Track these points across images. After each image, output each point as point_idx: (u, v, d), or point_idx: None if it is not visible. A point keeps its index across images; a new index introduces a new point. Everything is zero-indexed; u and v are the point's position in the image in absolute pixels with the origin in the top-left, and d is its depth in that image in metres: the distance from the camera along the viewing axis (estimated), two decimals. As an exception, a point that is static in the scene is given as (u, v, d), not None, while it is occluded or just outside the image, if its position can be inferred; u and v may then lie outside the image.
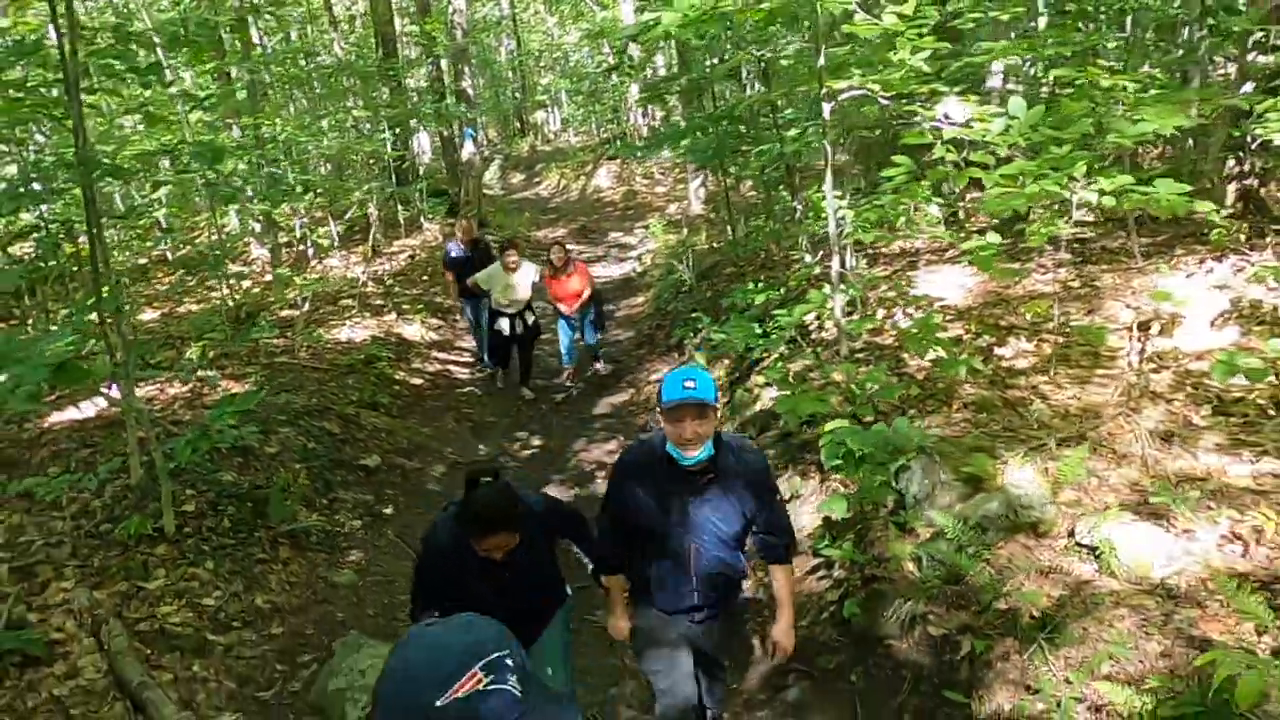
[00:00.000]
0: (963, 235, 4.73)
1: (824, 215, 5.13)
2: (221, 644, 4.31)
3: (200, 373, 7.04)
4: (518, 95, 34.67)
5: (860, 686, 3.69)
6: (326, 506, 5.80)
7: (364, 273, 12.18)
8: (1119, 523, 3.43)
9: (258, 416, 6.39)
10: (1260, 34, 5.48)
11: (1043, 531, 3.68)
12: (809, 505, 4.92)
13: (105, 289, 5.26)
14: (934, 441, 4.34)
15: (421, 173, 18.08)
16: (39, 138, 11.34)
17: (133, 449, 5.33)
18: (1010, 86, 7.65)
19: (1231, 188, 6.69)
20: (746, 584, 4.02)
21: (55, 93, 5.37)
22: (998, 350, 5.35)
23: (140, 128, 10.50)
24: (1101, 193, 4.20)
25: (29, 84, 5.38)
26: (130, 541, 4.83)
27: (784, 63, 7.15)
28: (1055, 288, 5.96)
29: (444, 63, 18.28)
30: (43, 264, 8.69)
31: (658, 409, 2.82)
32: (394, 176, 15.17)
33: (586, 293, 8.53)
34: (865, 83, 4.58)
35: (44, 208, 8.56)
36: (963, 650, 3.47)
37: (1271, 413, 4.18)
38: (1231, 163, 6.50)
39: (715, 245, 12.31)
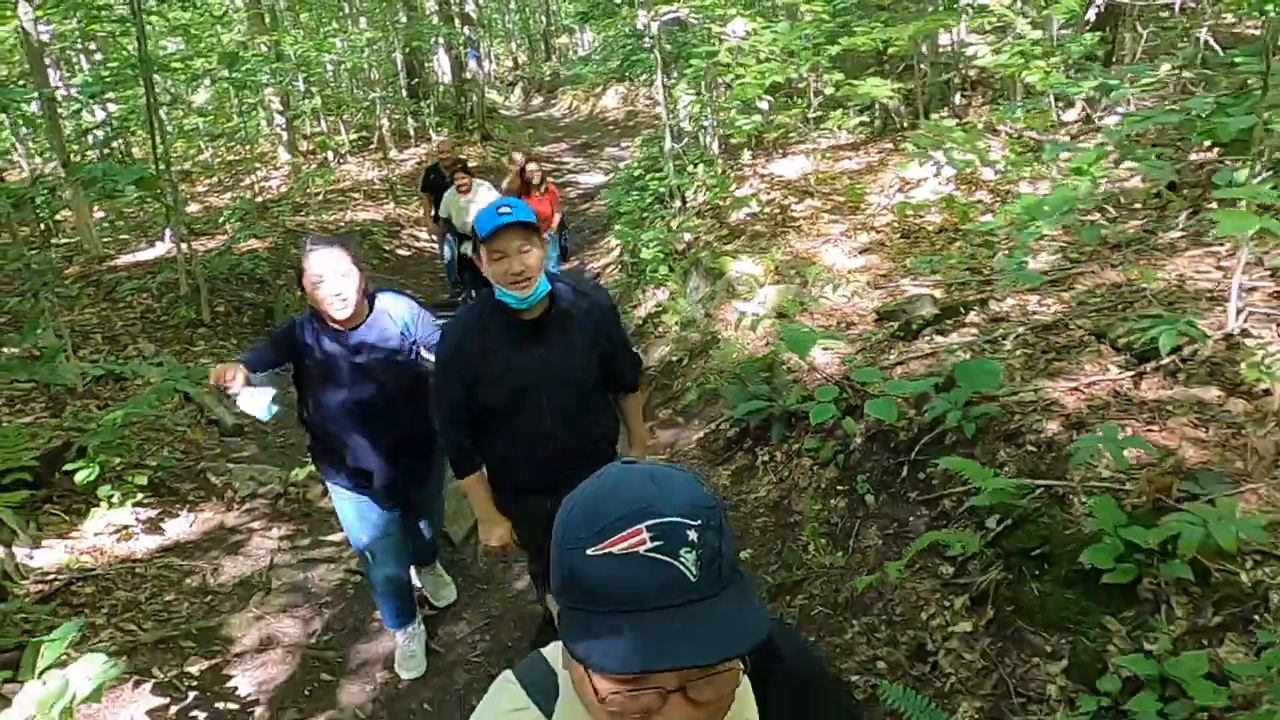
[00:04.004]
0: (744, 122, 6.87)
1: (671, 108, 7.31)
2: (239, 379, 6.81)
3: (229, 232, 9.52)
4: (543, 20, 36.61)
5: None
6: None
7: (376, 175, 14.57)
8: (772, 288, 5.70)
9: (271, 260, 8.88)
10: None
11: (746, 297, 5.95)
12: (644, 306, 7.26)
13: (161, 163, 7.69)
14: (711, 255, 6.62)
15: (441, 91, 20.38)
16: (97, 55, 13.90)
17: (181, 270, 7.82)
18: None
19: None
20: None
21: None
22: (795, 206, 7.55)
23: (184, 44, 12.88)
24: (833, 85, 6.36)
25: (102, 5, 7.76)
26: (180, 324, 7.35)
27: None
28: (861, 167, 8.13)
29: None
30: (107, 152, 11.24)
31: (476, 256, 2.46)
32: (405, 92, 17.51)
33: (557, 219, 8.32)
34: (680, 6, 6.74)
35: (110, 108, 11.08)
36: (677, 365, 5.81)
37: (934, 237, 6.36)
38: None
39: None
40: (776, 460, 4.12)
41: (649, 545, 0.81)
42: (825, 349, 4.52)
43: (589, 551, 0.83)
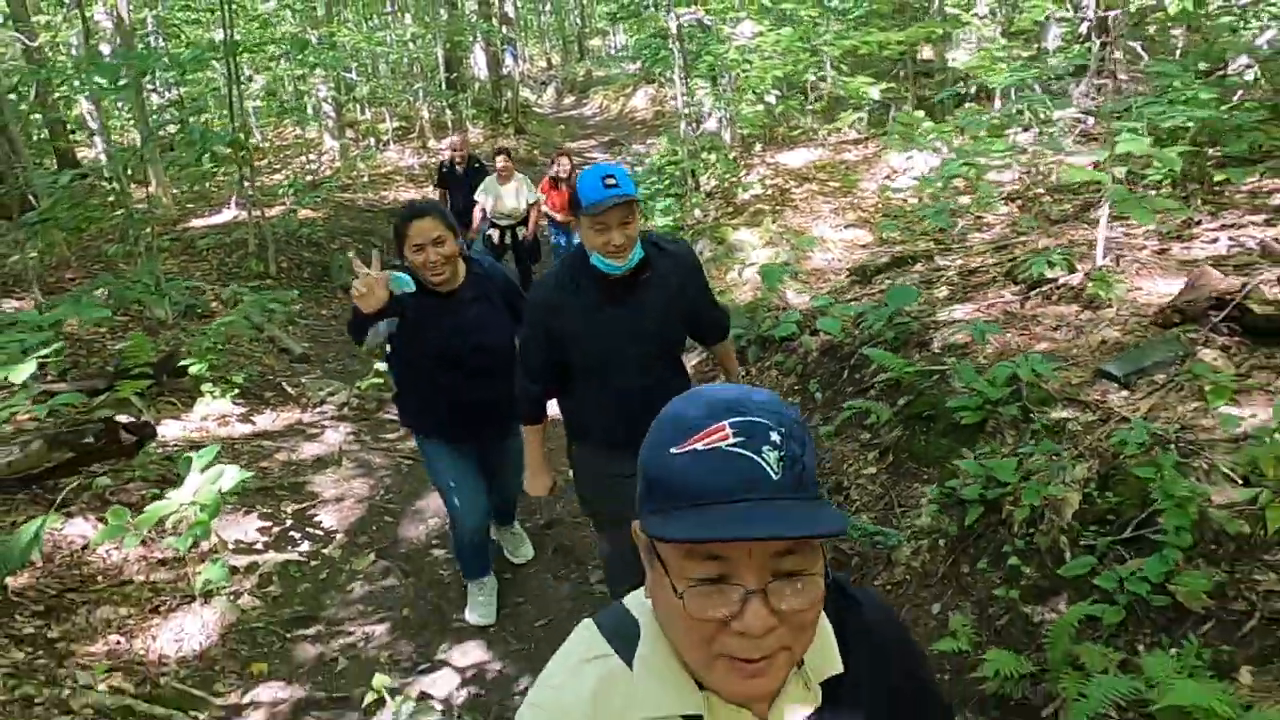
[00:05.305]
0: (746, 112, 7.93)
1: (688, 97, 8.39)
2: (303, 321, 7.95)
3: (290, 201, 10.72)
4: (578, 22, 37.92)
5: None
6: (367, 277, 9.43)
7: (415, 162, 15.78)
8: (764, 250, 6.75)
9: (326, 227, 10.05)
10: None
11: (745, 262, 7.00)
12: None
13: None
14: (713, 226, 7.68)
15: (478, 87, 21.65)
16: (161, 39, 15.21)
17: (250, 230, 8.98)
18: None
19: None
20: None
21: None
22: (795, 190, 8.60)
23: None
24: (825, 79, 7.40)
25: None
26: (249, 276, 8.50)
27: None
28: (859, 157, 9.17)
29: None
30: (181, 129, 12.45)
31: (575, 218, 2.53)
32: (444, 85, 18.75)
33: None
34: (698, 9, 7.83)
35: (179, 90, 12.28)
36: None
37: (908, 211, 7.38)
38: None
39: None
40: (751, 374, 5.16)
41: (731, 440, 0.81)
42: (799, 293, 5.56)
43: (673, 450, 0.84)
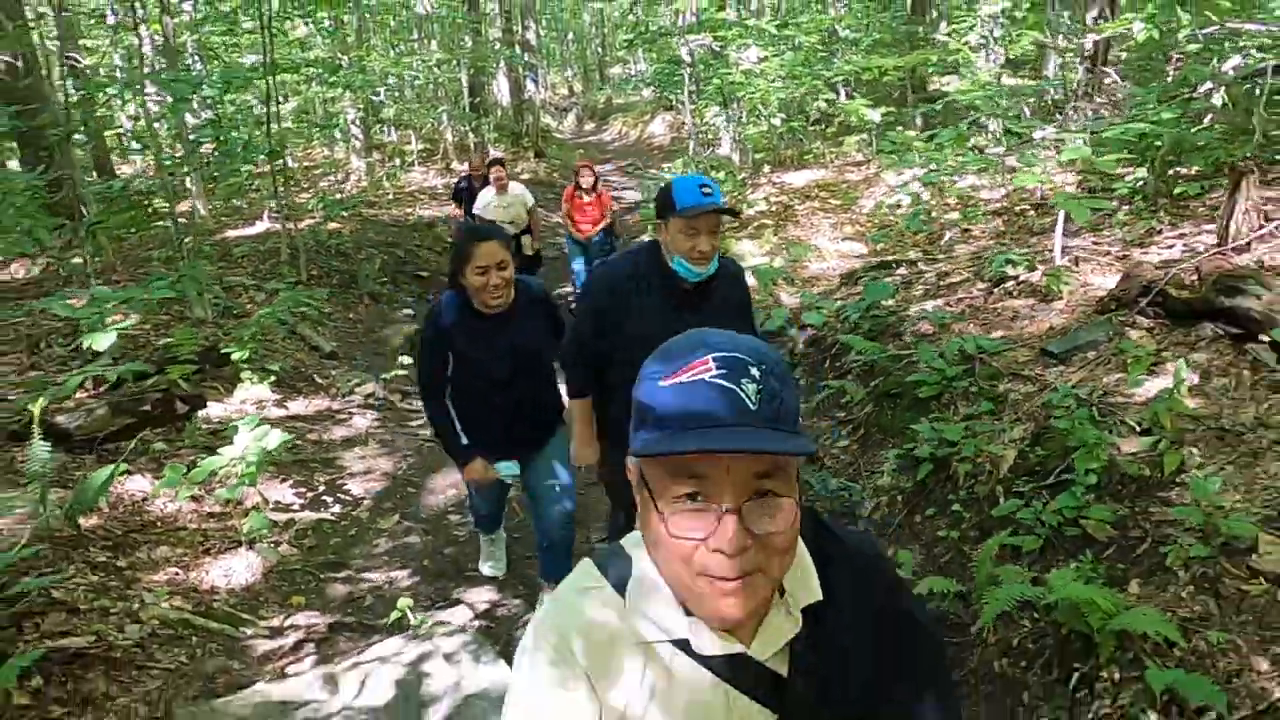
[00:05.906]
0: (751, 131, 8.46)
1: (697, 119, 8.94)
2: (332, 323, 8.51)
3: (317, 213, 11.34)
4: (599, 51, 38.89)
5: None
6: (392, 285, 9.99)
7: (439, 182, 16.43)
8: (764, 259, 7.24)
9: (354, 239, 10.65)
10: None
11: (747, 265, 7.49)
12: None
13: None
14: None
15: (500, 112, 22.43)
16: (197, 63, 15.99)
17: (283, 240, 9.58)
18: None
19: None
20: None
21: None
22: (798, 206, 9.11)
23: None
24: (828, 101, 7.94)
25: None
26: (282, 278, 9.08)
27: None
28: (862, 177, 9.68)
29: (517, 12, 22.40)
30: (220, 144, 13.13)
31: (663, 221, 2.52)
32: (468, 109, 19.50)
33: (605, 220, 8.29)
34: (706, 35, 8.40)
35: (215, 111, 12.94)
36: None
37: (895, 222, 7.86)
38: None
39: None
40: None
41: (714, 372, 0.88)
42: (790, 294, 6.04)
43: (661, 382, 0.91)
